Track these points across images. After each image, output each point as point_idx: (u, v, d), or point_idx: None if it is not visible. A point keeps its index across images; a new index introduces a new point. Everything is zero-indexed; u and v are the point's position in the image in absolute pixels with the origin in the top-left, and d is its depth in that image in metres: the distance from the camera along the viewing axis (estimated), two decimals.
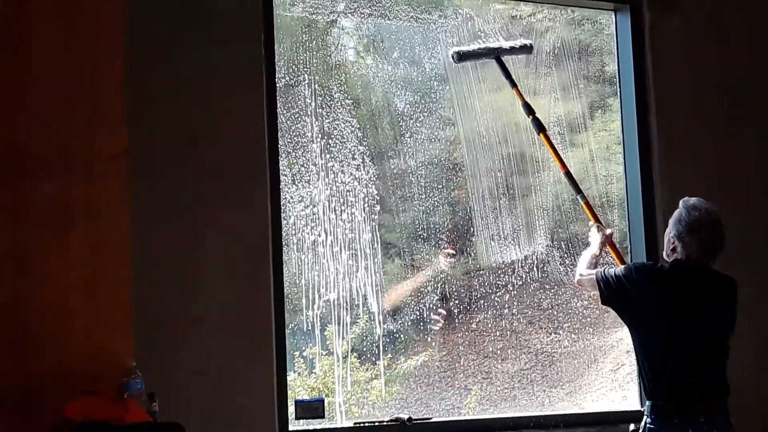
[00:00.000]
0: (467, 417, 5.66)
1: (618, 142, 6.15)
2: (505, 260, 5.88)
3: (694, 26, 6.16)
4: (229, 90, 5.12)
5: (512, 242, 5.90)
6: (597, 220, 5.16)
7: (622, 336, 5.86)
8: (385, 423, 5.37)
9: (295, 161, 5.49)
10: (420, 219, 5.73)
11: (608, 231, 5.09)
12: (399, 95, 5.83)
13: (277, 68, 5.37)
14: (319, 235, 5.48)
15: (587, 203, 5.21)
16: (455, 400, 5.74)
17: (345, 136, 5.62)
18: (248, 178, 5.11)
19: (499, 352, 5.84)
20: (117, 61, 4.85)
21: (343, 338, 5.52)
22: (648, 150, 6.01)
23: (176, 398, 4.70)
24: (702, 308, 4.53)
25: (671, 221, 4.65)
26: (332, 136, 5.59)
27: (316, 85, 5.57)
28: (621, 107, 6.15)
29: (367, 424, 5.34)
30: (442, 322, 5.76)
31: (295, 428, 5.20)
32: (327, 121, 5.58)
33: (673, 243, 4.61)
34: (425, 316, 5.72)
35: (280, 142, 5.33)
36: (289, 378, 5.23)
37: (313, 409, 5.22)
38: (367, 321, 5.57)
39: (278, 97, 5.36)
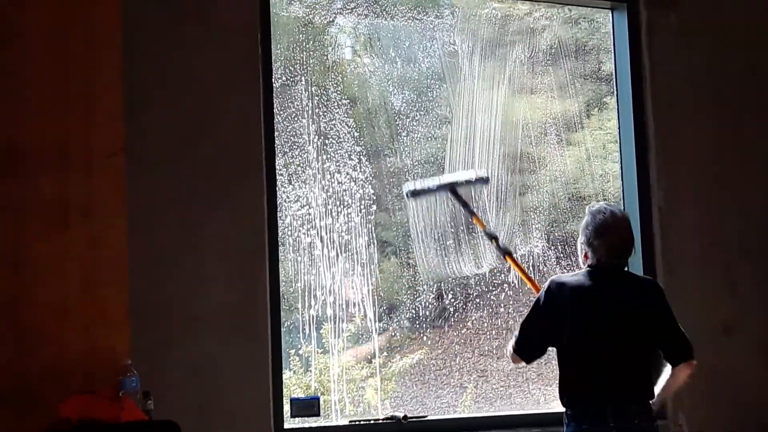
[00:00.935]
0: (463, 415, 5.67)
1: (615, 141, 6.16)
2: (501, 259, 5.88)
3: (691, 24, 6.15)
4: (226, 89, 5.13)
5: (508, 241, 5.90)
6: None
7: None
8: (380, 421, 5.38)
9: (291, 161, 5.50)
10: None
11: None
12: (395, 94, 5.84)
13: (273, 68, 5.38)
14: (315, 234, 5.48)
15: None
16: (451, 398, 5.75)
17: (341, 136, 5.62)
18: (244, 177, 5.12)
19: (494, 350, 5.85)
20: (114, 59, 4.87)
21: (338, 336, 5.53)
22: (644, 148, 6.01)
23: (172, 396, 4.71)
24: (614, 312, 4.48)
25: (580, 230, 4.63)
26: (329, 136, 5.60)
27: (313, 87, 5.57)
28: (618, 105, 6.15)
29: (362, 423, 5.35)
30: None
31: (291, 426, 5.21)
32: (324, 120, 5.59)
33: (585, 250, 4.60)
34: (420, 314, 5.74)
35: (276, 142, 5.33)
36: (284, 376, 5.24)
37: (308, 407, 5.23)
38: (362, 319, 5.58)
39: (275, 97, 5.36)
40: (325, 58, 5.70)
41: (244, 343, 5.02)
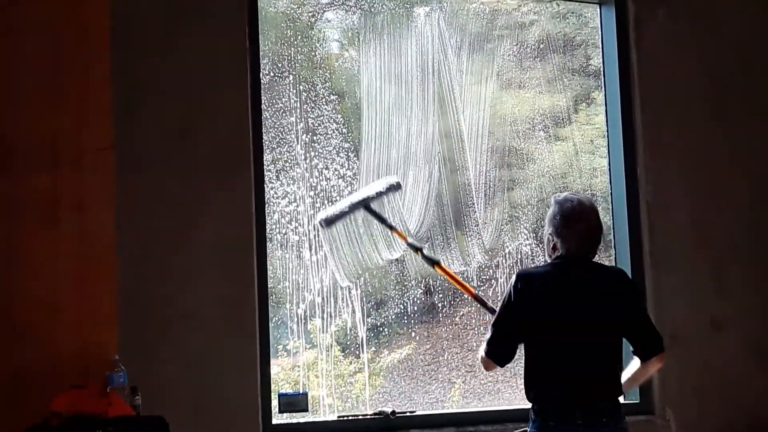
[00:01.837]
0: (451, 410, 5.68)
1: (602, 136, 6.16)
2: (490, 254, 5.89)
3: (680, 20, 6.15)
4: (215, 84, 5.13)
5: (496, 236, 5.91)
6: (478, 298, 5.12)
7: None
8: (368, 416, 5.39)
9: (279, 157, 5.50)
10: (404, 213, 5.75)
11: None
12: (383, 89, 5.83)
13: (261, 63, 5.38)
14: (303, 230, 5.49)
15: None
16: (439, 393, 5.76)
17: (329, 132, 5.63)
18: (233, 172, 5.12)
19: None
20: (104, 55, 4.88)
21: (326, 332, 5.54)
22: (632, 143, 6.01)
23: (161, 391, 4.72)
24: (585, 305, 4.37)
25: (547, 221, 4.53)
26: (316, 132, 5.60)
27: (301, 84, 5.57)
28: (606, 101, 6.14)
29: (350, 418, 5.36)
30: None
31: (279, 422, 5.22)
32: (311, 116, 5.59)
33: (553, 241, 4.47)
34: (409, 309, 5.74)
35: (264, 137, 5.34)
36: (272, 371, 5.24)
37: (296, 402, 5.24)
38: (350, 314, 5.58)
39: (263, 92, 5.37)
40: (313, 53, 5.70)
41: (233, 338, 5.02)
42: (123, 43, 4.92)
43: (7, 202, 4.66)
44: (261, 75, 5.36)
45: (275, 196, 5.45)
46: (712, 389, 5.89)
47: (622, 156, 6.01)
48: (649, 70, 6.05)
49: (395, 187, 5.32)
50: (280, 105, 5.53)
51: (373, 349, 5.69)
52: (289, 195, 5.49)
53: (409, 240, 5.21)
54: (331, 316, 5.54)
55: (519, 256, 5.93)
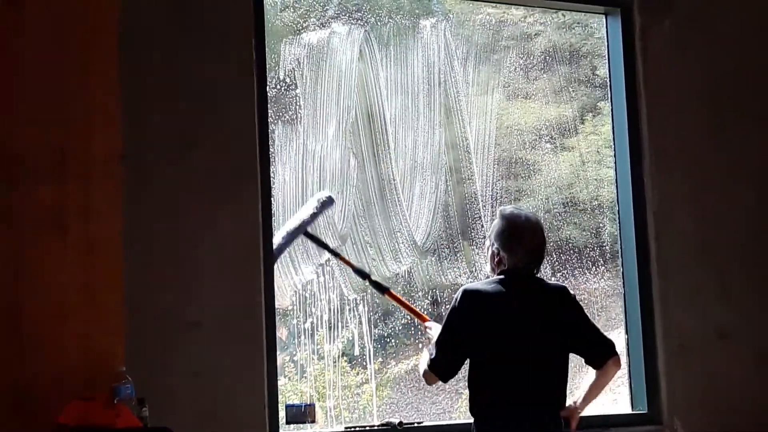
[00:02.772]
0: (458, 421, 5.66)
1: (609, 146, 6.16)
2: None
3: (686, 30, 6.16)
4: (222, 95, 5.13)
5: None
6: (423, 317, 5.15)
7: (613, 339, 5.87)
8: (376, 427, 5.38)
9: (285, 167, 5.52)
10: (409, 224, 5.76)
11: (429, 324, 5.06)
12: (389, 100, 5.83)
13: (268, 76, 5.38)
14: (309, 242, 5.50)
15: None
16: (446, 404, 5.75)
17: (335, 143, 5.64)
18: (240, 184, 5.12)
19: None
20: (111, 65, 4.87)
21: (333, 343, 5.53)
22: (639, 153, 6.00)
23: (168, 402, 4.71)
24: (529, 323, 4.42)
25: (492, 235, 4.56)
26: (319, 141, 5.62)
27: (308, 94, 5.58)
28: (612, 111, 6.13)
29: (357, 429, 5.36)
30: None
31: None
32: (315, 126, 5.61)
33: (498, 255, 4.52)
34: (416, 320, 5.74)
35: (270, 149, 5.35)
36: (279, 382, 5.24)
37: (303, 413, 5.23)
38: (357, 325, 5.58)
39: (269, 104, 5.37)
40: (319, 66, 5.71)
41: (240, 349, 5.01)
42: (130, 54, 4.93)
43: (14, 212, 4.65)
44: (267, 88, 5.36)
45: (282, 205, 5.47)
46: (718, 398, 5.87)
47: (629, 166, 6.00)
48: (655, 79, 6.04)
49: (328, 203, 5.27)
50: (287, 117, 5.53)
51: (381, 360, 5.69)
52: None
53: (356, 267, 5.22)
54: (337, 328, 5.54)
55: None
